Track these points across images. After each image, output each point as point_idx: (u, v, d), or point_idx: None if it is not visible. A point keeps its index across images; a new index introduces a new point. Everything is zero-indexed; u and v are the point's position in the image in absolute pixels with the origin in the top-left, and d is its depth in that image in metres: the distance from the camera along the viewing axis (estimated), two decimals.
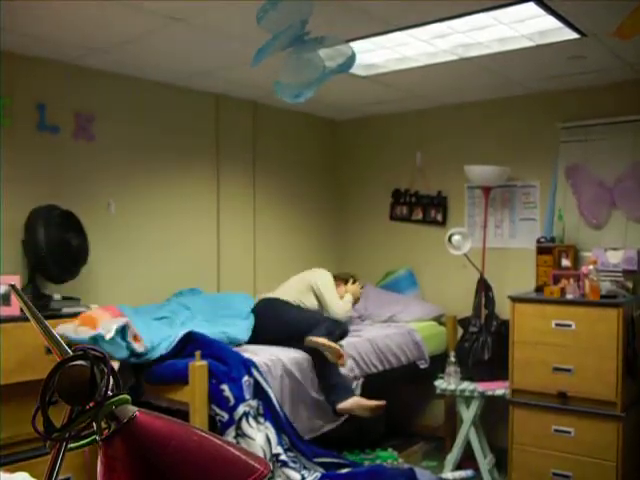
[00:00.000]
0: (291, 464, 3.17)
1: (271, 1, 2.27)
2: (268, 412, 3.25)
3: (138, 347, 3.10)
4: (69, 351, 0.67)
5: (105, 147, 3.84)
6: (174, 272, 4.19)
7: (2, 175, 3.35)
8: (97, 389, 0.65)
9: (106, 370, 0.67)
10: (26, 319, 0.69)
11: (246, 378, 3.21)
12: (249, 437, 3.07)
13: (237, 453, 0.68)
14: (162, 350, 3.31)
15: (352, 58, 2.61)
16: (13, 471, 1.50)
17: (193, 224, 4.35)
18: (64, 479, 2.96)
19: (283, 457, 3.15)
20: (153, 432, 0.65)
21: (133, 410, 0.66)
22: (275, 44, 2.46)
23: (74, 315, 3.16)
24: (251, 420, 3.12)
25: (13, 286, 0.73)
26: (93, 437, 0.66)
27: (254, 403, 3.19)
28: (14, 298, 2.96)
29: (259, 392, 3.26)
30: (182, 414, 3.09)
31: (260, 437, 3.10)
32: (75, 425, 0.65)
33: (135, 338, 3.11)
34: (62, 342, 0.69)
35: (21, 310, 2.65)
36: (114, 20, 2.98)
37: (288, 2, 2.28)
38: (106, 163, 3.85)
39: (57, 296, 3.33)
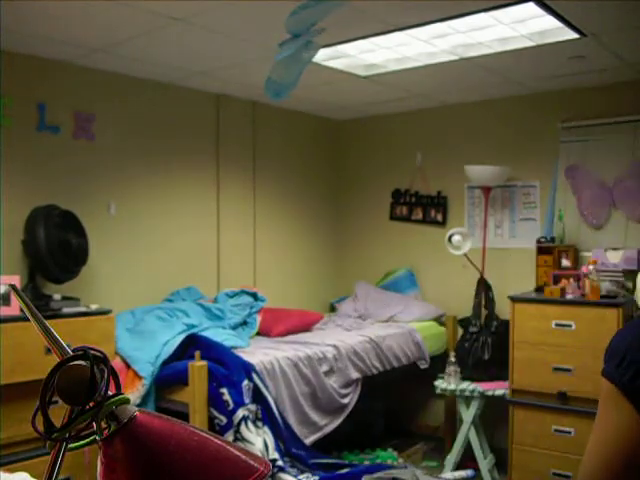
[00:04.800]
0: (288, 469, 3.17)
1: (314, 0, 2.23)
2: (266, 417, 3.25)
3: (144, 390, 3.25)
4: (69, 351, 0.67)
5: (105, 147, 3.84)
6: (174, 272, 4.19)
7: (2, 175, 3.35)
8: (97, 389, 0.65)
9: (106, 370, 0.66)
10: (26, 319, 0.69)
11: (246, 382, 3.21)
12: (248, 441, 3.07)
13: (237, 453, 0.68)
14: (163, 357, 3.34)
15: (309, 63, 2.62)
16: (13, 471, 1.50)
17: (193, 224, 4.35)
18: (64, 479, 2.96)
19: (280, 462, 3.15)
20: (153, 432, 0.65)
21: (133, 410, 0.66)
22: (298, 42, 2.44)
23: (74, 315, 3.16)
24: (250, 424, 3.13)
25: (13, 286, 0.73)
26: (93, 437, 0.66)
27: (253, 407, 3.20)
28: (14, 298, 2.96)
29: (258, 397, 3.27)
30: (183, 417, 3.09)
31: (259, 442, 3.10)
32: (75, 425, 0.65)
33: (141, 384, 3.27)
34: (62, 342, 0.68)
35: (21, 310, 2.65)
36: (114, 20, 2.98)
37: (326, 2, 2.25)
38: (106, 163, 3.85)
39: (57, 296, 3.33)
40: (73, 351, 0.67)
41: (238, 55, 3.53)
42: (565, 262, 4.13)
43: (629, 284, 3.93)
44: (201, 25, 3.06)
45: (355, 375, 3.89)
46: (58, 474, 0.67)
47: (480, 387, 4.02)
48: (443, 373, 4.23)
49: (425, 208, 4.99)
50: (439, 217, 4.91)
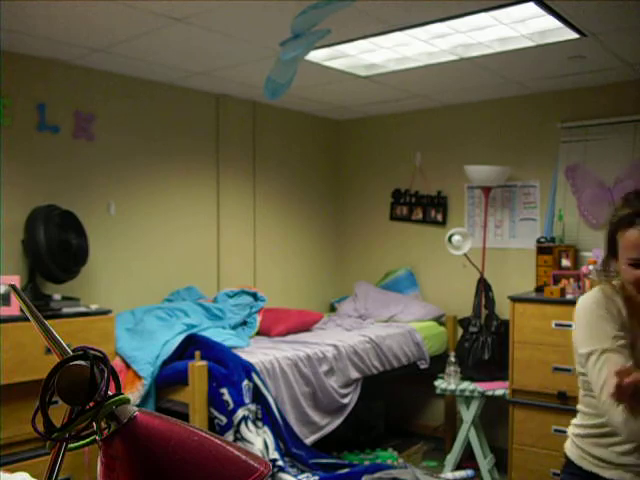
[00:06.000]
0: (288, 469, 3.17)
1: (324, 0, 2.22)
2: (266, 417, 3.25)
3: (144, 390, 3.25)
4: (69, 351, 0.67)
5: (105, 147, 3.85)
6: (174, 272, 4.19)
7: (2, 175, 3.36)
8: (97, 389, 0.65)
9: (106, 370, 0.66)
10: (26, 319, 0.69)
11: (246, 382, 3.21)
12: (248, 441, 3.07)
13: (237, 453, 0.68)
14: (163, 357, 3.34)
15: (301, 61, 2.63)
16: (13, 471, 1.50)
17: (193, 224, 4.35)
18: (64, 479, 2.96)
19: (280, 462, 3.15)
20: (153, 432, 0.65)
21: (133, 410, 0.66)
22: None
23: (74, 315, 3.17)
24: (250, 424, 3.13)
25: (13, 286, 0.73)
26: (93, 437, 0.66)
27: (253, 407, 3.20)
28: (14, 298, 2.96)
29: (258, 396, 3.26)
30: (183, 417, 3.09)
31: (259, 441, 3.10)
32: (75, 425, 0.65)
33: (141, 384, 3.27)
34: (62, 342, 0.68)
35: (21, 310, 2.65)
36: (114, 20, 2.98)
37: (334, 3, 2.24)
38: (106, 163, 3.85)
39: (57, 296, 3.33)
40: (73, 351, 0.67)
41: (238, 55, 3.53)
42: (565, 262, 4.13)
43: None
44: (201, 25, 3.06)
45: (355, 375, 3.89)
46: (58, 474, 0.67)
47: (480, 387, 4.02)
48: (443, 373, 4.23)
49: (425, 208, 4.99)
50: (439, 217, 4.91)
